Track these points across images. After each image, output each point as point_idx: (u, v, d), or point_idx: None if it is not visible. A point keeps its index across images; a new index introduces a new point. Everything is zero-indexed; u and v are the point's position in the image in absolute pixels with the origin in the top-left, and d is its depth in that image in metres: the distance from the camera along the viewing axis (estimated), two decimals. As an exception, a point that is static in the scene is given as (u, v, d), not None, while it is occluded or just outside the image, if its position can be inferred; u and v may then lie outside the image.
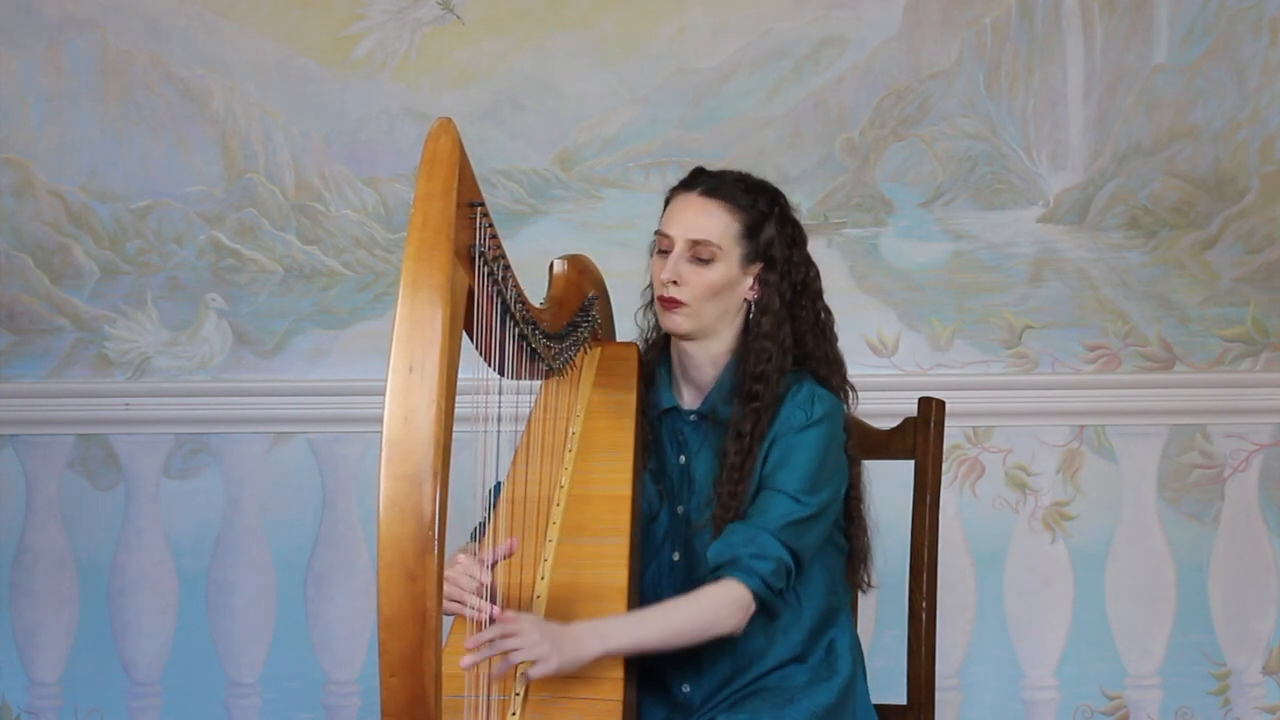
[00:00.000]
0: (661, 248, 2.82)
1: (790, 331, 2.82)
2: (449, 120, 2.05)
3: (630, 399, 2.87)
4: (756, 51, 4.17)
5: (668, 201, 2.86)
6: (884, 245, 4.16)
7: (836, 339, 2.89)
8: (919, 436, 3.08)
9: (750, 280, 2.82)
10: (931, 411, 3.08)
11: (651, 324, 2.95)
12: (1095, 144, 4.14)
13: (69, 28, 4.21)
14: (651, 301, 2.90)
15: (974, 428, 4.12)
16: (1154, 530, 4.12)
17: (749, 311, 2.83)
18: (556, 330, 2.75)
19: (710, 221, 2.78)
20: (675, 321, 2.80)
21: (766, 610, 2.66)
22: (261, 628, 4.19)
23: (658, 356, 2.95)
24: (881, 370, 4.11)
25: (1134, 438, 4.13)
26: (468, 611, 2.49)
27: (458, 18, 4.20)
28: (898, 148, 4.16)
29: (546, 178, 4.18)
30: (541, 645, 2.42)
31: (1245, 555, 4.12)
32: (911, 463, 3.09)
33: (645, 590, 2.80)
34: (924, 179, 4.16)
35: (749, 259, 2.80)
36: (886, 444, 3.11)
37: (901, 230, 4.16)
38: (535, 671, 2.43)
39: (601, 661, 2.52)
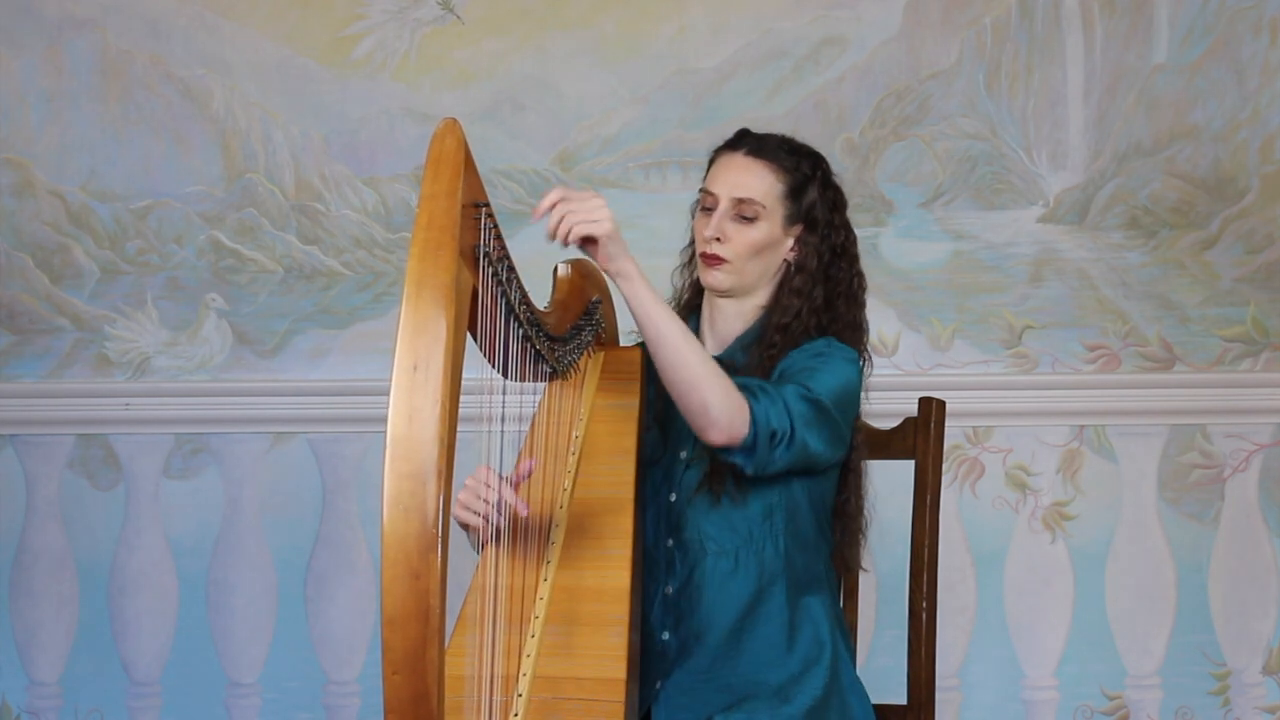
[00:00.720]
0: (705, 205, 2.85)
1: (823, 293, 2.85)
2: (454, 121, 2.05)
3: (634, 403, 2.87)
4: (756, 51, 4.18)
5: (712, 161, 2.88)
6: (884, 245, 4.16)
7: (865, 305, 2.92)
8: (919, 436, 3.08)
9: (791, 241, 2.85)
10: (931, 411, 3.08)
11: (686, 283, 2.98)
12: (1095, 144, 4.14)
13: (69, 28, 4.21)
14: (690, 260, 2.94)
15: (974, 428, 4.13)
16: (1154, 530, 4.13)
17: (787, 271, 2.86)
18: (560, 333, 2.74)
19: (755, 181, 2.81)
20: (716, 278, 2.84)
21: (753, 450, 2.61)
22: (261, 628, 4.19)
23: (688, 314, 2.96)
24: (881, 370, 4.08)
25: (1134, 438, 4.14)
26: (476, 520, 2.52)
27: (458, 18, 4.20)
28: (898, 148, 4.16)
29: (546, 178, 4.18)
30: (602, 213, 2.47)
31: (1245, 555, 4.13)
32: (911, 463, 3.09)
33: (646, 533, 2.82)
34: (924, 179, 4.16)
35: (791, 220, 2.84)
36: (886, 444, 3.11)
37: (901, 230, 4.16)
38: (588, 230, 2.46)
39: (604, 662, 2.52)
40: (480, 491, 2.54)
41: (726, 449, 2.61)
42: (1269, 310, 4.12)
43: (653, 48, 4.18)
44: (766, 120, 4.10)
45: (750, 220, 2.81)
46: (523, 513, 2.53)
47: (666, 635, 2.80)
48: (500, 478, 2.54)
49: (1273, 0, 4.11)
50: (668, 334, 2.55)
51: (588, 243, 2.51)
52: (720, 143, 2.90)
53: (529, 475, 2.57)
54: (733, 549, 2.78)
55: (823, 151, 4.07)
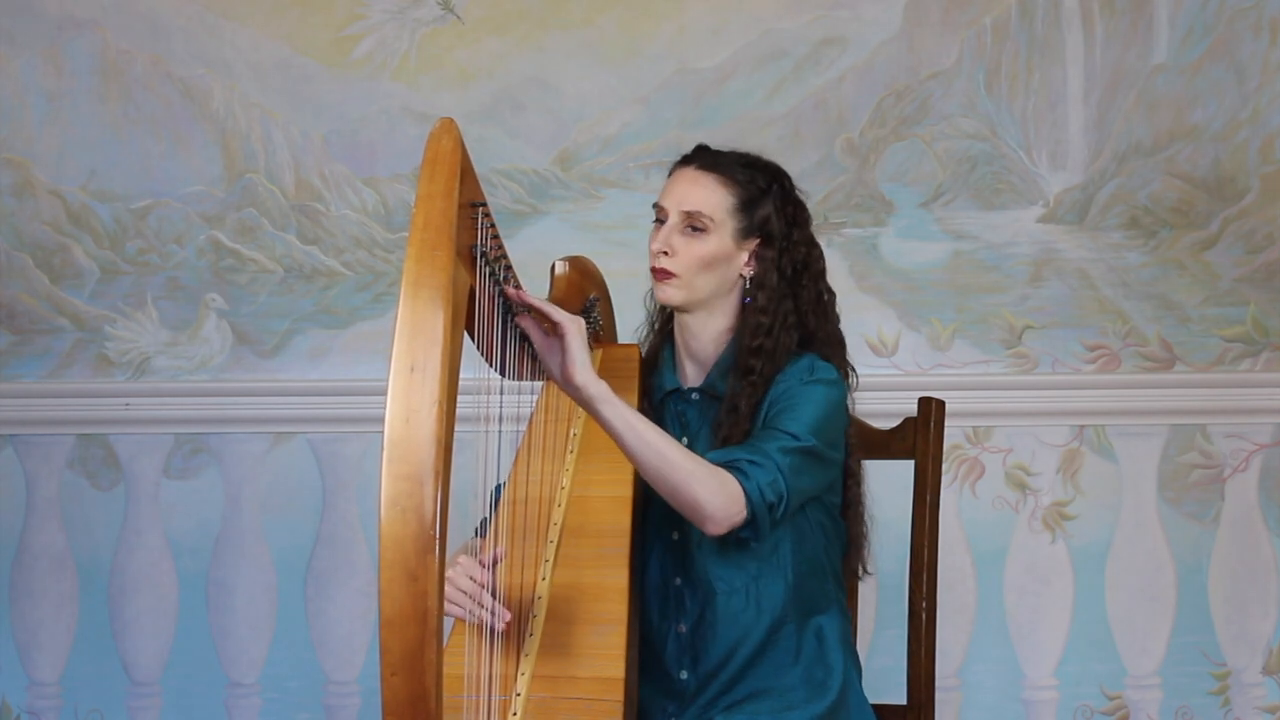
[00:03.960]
0: (657, 218, 2.84)
1: (793, 309, 2.82)
2: (451, 120, 2.05)
3: (632, 400, 2.87)
4: (756, 51, 4.18)
5: (670, 176, 2.88)
6: (884, 245, 4.16)
7: (838, 319, 2.90)
8: (919, 436, 3.08)
9: (746, 255, 2.82)
10: (931, 411, 3.08)
11: (658, 307, 2.97)
12: (1095, 144, 4.14)
13: (69, 28, 4.21)
14: None
15: (974, 428, 4.12)
16: (1154, 530, 4.13)
17: (743, 288, 2.84)
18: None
19: (703, 193, 2.80)
20: (667, 293, 2.82)
21: (754, 524, 2.61)
22: (261, 628, 4.19)
23: (662, 341, 2.95)
24: (881, 370, 4.11)
25: (1134, 438, 4.13)
26: (466, 616, 2.49)
27: (458, 18, 4.20)
28: (898, 148, 4.16)
29: (546, 178, 4.18)
30: (577, 334, 2.45)
31: (1245, 555, 4.13)
32: (911, 463, 3.09)
33: (647, 569, 2.81)
34: (924, 179, 4.16)
35: (744, 234, 2.81)
36: (886, 444, 3.11)
37: (901, 230, 4.16)
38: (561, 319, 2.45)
39: (602, 661, 2.52)
40: (462, 584, 2.50)
41: (729, 533, 2.62)
42: (1269, 310, 4.12)
43: (653, 48, 4.18)
44: (766, 120, 4.12)
45: (699, 232, 2.79)
46: (501, 624, 2.49)
47: (685, 674, 2.79)
48: (481, 565, 2.51)
49: (1273, 0, 4.11)
50: (650, 440, 2.53)
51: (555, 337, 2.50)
52: (678, 158, 2.90)
53: (496, 562, 2.53)
54: (742, 586, 2.76)
55: (822, 151, 4.13)
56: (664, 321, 2.97)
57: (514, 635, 2.56)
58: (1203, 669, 4.12)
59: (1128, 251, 4.14)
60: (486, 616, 2.48)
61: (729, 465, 2.61)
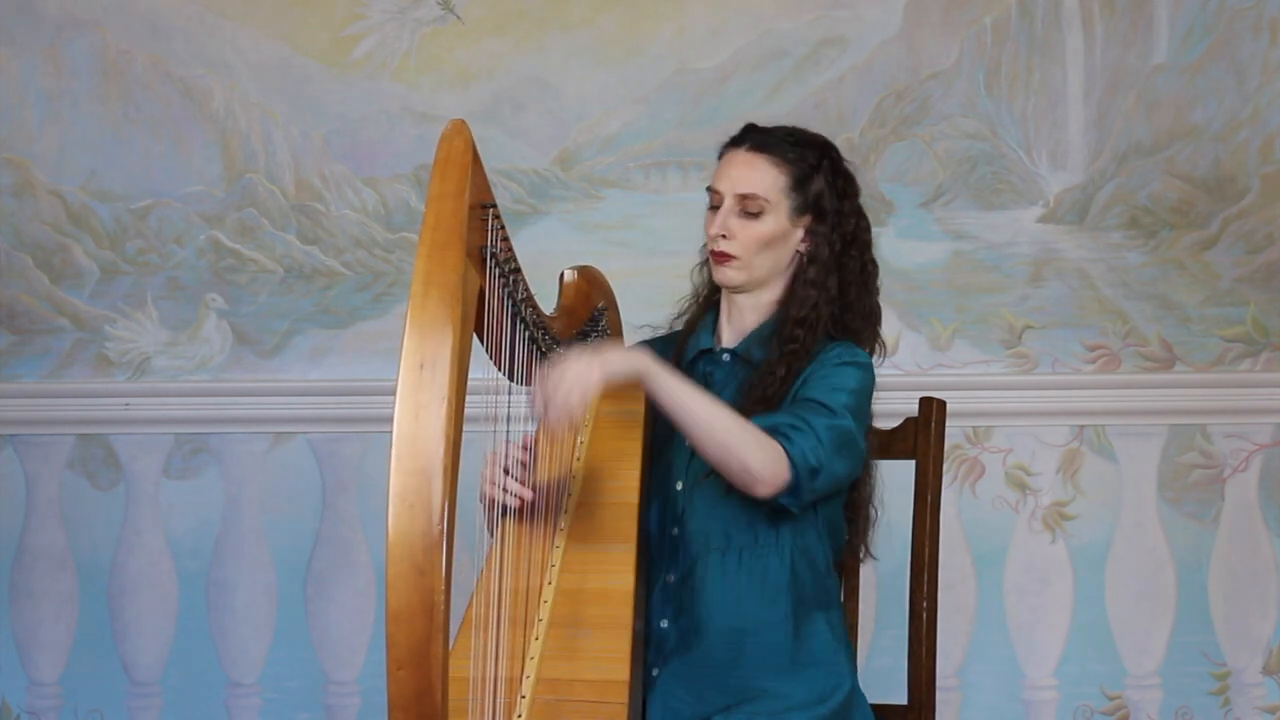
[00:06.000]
0: (712, 203, 2.87)
1: (836, 283, 2.86)
2: (462, 122, 2.06)
3: (638, 409, 2.88)
4: (756, 51, 4.18)
5: (720, 158, 2.90)
6: (884, 245, 4.12)
7: (878, 291, 2.93)
8: (919, 436, 3.08)
9: (801, 232, 2.86)
10: (932, 411, 3.09)
11: (705, 279, 2.98)
12: (1095, 144, 4.14)
13: (69, 28, 4.21)
14: (707, 258, 2.93)
15: (974, 428, 4.13)
16: (1154, 530, 4.13)
17: (800, 263, 2.87)
18: (565, 338, 2.75)
19: (757, 175, 2.83)
20: (728, 275, 2.85)
21: (797, 489, 2.66)
22: (261, 628, 4.18)
23: (704, 310, 2.98)
24: (882, 370, 4.09)
25: (1134, 438, 4.14)
26: (508, 499, 2.62)
27: (458, 18, 4.20)
28: (898, 148, 4.17)
29: (546, 178, 4.19)
30: (585, 365, 2.51)
31: (1245, 555, 4.13)
32: (912, 463, 3.09)
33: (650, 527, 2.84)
34: (924, 179, 4.17)
35: (799, 211, 2.84)
36: (887, 444, 3.11)
37: (901, 230, 4.16)
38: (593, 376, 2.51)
39: (607, 665, 2.52)
40: (498, 475, 2.62)
41: (773, 496, 2.65)
42: (1269, 310, 4.13)
43: (653, 48, 4.19)
44: (767, 120, 4.11)
45: (755, 215, 2.82)
46: (527, 497, 2.63)
47: (665, 624, 2.80)
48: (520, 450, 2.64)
49: (1273, 0, 4.11)
50: (694, 408, 2.60)
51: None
52: (727, 140, 2.91)
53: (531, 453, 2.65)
54: (736, 547, 2.78)
55: (823, 151, 4.13)
56: (710, 292, 2.99)
57: (518, 638, 2.56)
58: (1203, 669, 4.13)
59: (1128, 251, 4.14)
60: (516, 488, 2.62)
61: (771, 430, 2.65)
